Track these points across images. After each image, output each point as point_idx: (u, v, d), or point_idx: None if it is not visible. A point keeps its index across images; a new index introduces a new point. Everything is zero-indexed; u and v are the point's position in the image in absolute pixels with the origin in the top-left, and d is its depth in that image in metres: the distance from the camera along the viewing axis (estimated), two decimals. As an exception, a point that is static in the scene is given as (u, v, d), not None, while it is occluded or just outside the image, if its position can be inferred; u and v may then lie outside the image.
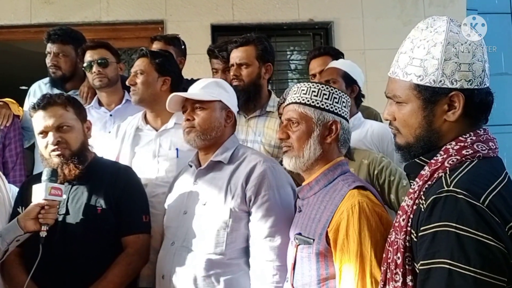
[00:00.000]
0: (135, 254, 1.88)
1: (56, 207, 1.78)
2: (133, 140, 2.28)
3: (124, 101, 2.68)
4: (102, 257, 1.84)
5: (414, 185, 1.16)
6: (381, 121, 2.55)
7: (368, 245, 1.34)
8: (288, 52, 4.59)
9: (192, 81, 2.17)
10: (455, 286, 0.96)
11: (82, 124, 1.98)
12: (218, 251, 1.72)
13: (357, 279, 1.34)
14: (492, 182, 1.04)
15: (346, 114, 1.60)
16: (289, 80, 4.53)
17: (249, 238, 1.75)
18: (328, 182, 1.54)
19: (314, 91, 1.56)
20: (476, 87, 1.13)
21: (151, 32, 4.13)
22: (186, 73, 2.87)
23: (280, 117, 1.88)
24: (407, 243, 1.11)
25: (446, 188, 1.04)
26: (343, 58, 2.71)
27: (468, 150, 1.11)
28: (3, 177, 2.01)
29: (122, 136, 2.32)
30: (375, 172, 1.93)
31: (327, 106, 1.55)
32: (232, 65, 2.36)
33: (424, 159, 1.18)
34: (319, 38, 4.37)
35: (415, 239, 1.08)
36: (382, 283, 1.19)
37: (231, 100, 1.93)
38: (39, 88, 2.96)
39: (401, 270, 1.11)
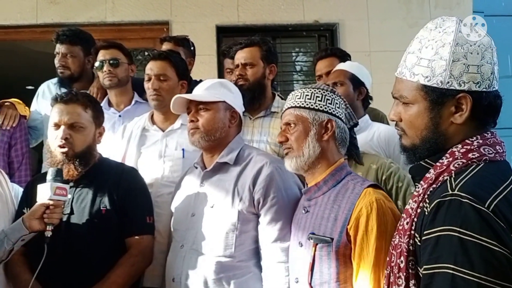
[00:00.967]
0: (139, 255, 1.88)
1: (61, 207, 1.78)
2: (139, 140, 2.29)
3: (133, 102, 2.69)
4: (106, 257, 1.84)
5: (419, 188, 1.15)
6: (387, 123, 2.54)
7: (385, 240, 1.40)
8: (293, 54, 4.59)
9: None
10: None
11: (96, 128, 1.99)
12: (227, 254, 1.72)
13: (372, 271, 1.39)
14: (498, 186, 1.03)
15: (340, 114, 1.66)
16: (294, 82, 4.53)
17: (258, 240, 1.75)
18: (337, 182, 1.59)
19: (308, 95, 1.65)
20: (484, 89, 1.11)
21: (156, 33, 4.16)
22: (191, 74, 2.88)
23: None
24: (411, 247, 1.10)
25: (450, 192, 1.02)
26: (350, 59, 2.70)
27: (474, 153, 1.09)
28: (6, 176, 2.02)
29: (128, 137, 2.32)
30: (383, 178, 1.93)
31: (321, 107, 1.63)
32: (237, 65, 2.39)
33: (430, 162, 1.17)
34: (324, 40, 4.37)
35: (418, 243, 1.07)
36: (386, 286, 1.18)
37: (235, 100, 1.92)
38: (48, 88, 2.98)
39: (404, 274, 1.10)
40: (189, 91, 2.15)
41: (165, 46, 2.88)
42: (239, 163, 1.83)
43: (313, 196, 1.62)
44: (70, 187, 1.86)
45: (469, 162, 1.09)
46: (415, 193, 1.15)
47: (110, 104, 2.72)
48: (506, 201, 1.00)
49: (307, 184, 1.67)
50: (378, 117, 2.66)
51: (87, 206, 1.88)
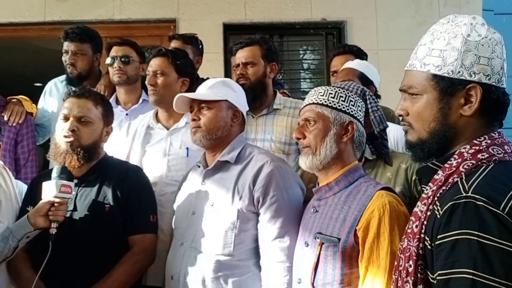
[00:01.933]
0: (141, 253, 1.88)
1: (66, 204, 1.79)
2: (144, 138, 2.30)
3: (141, 100, 2.70)
4: (109, 255, 1.84)
5: (427, 190, 1.12)
6: (398, 121, 2.52)
7: (398, 244, 1.35)
8: (301, 52, 4.57)
9: None
10: None
11: (104, 126, 1.99)
12: (226, 252, 1.72)
13: (387, 276, 1.35)
14: (511, 187, 1.00)
15: (361, 118, 1.64)
16: (301, 80, 4.51)
17: (258, 239, 1.74)
18: (349, 183, 1.56)
19: (331, 93, 1.62)
20: (494, 83, 1.10)
21: (164, 31, 4.16)
22: (198, 72, 2.88)
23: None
24: (420, 251, 1.07)
25: (464, 194, 0.99)
26: (366, 59, 2.68)
27: (483, 154, 1.07)
28: (11, 174, 2.03)
29: (133, 135, 2.33)
30: (414, 178, 1.87)
31: (343, 107, 1.61)
32: (238, 65, 2.39)
33: (437, 164, 1.15)
34: (331, 38, 4.34)
35: (429, 247, 1.05)
36: None
37: (238, 99, 1.92)
38: (55, 86, 2.99)
39: (412, 278, 1.07)
40: (196, 89, 2.15)
41: (174, 44, 2.89)
42: (240, 161, 1.82)
43: (324, 196, 1.60)
44: (74, 184, 1.86)
45: (479, 163, 1.06)
46: (424, 195, 1.12)
47: (117, 102, 2.73)
48: None
49: (318, 184, 1.65)
50: (388, 115, 2.63)
51: (91, 203, 1.88)
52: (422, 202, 1.12)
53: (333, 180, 1.58)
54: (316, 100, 1.62)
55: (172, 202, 2.03)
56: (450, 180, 1.07)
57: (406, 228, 1.16)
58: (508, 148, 1.11)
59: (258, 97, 2.33)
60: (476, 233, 0.94)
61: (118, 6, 4.15)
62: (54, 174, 1.79)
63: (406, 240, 1.13)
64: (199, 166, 1.93)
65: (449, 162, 1.11)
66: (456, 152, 1.11)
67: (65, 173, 1.80)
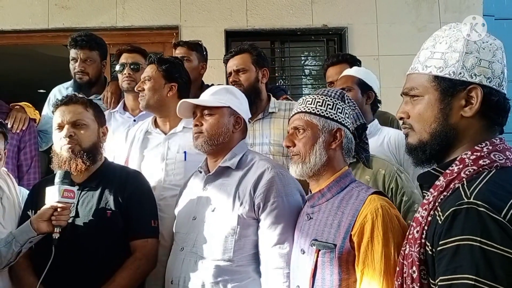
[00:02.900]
0: (143, 258, 1.88)
1: (69, 209, 1.80)
2: (142, 143, 2.32)
3: None
4: (111, 260, 1.85)
5: (428, 196, 1.12)
6: (398, 126, 2.53)
7: (392, 246, 1.39)
8: (302, 58, 4.59)
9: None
10: None
11: (99, 127, 2.01)
12: (226, 258, 1.72)
13: (382, 279, 1.36)
14: None
15: (349, 124, 1.66)
16: (303, 86, 4.53)
17: (258, 245, 1.74)
18: (341, 189, 1.58)
19: (319, 102, 1.64)
20: (494, 86, 1.11)
21: (166, 38, 4.19)
22: (202, 78, 2.90)
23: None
24: (422, 256, 1.07)
25: (466, 200, 0.99)
26: (360, 65, 2.70)
27: (485, 160, 1.08)
28: (14, 180, 2.04)
29: (131, 140, 2.36)
30: (391, 186, 1.91)
31: (331, 115, 1.63)
32: (230, 73, 2.45)
33: (439, 170, 1.15)
34: (332, 44, 4.36)
35: (430, 252, 1.05)
36: None
37: (241, 106, 1.94)
38: (60, 93, 2.99)
39: (418, 284, 1.07)
40: (192, 95, 2.19)
41: (178, 51, 2.92)
42: (241, 167, 1.84)
43: (317, 203, 1.61)
44: (76, 188, 1.87)
45: (480, 169, 1.06)
46: (425, 201, 1.13)
47: (125, 108, 2.76)
48: None
49: (310, 191, 1.66)
50: (387, 120, 2.65)
51: (92, 209, 1.89)
52: (423, 208, 1.12)
53: (325, 186, 1.60)
54: (304, 108, 1.65)
55: (171, 207, 2.04)
56: (451, 186, 1.07)
57: (407, 233, 1.17)
58: (510, 154, 1.11)
59: (253, 102, 2.34)
60: (479, 239, 0.94)
61: (121, 13, 4.18)
62: (57, 179, 1.79)
63: (407, 246, 1.13)
64: (200, 172, 1.94)
65: (450, 168, 1.11)
66: (458, 158, 1.11)
67: (68, 178, 1.81)
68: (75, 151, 1.89)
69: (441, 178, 1.11)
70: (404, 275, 1.12)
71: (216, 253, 1.73)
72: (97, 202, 1.90)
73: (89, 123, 1.95)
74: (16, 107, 2.75)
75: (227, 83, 2.71)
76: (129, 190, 1.95)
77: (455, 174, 1.08)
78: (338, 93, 1.72)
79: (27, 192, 2.10)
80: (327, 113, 1.62)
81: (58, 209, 1.76)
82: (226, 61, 2.50)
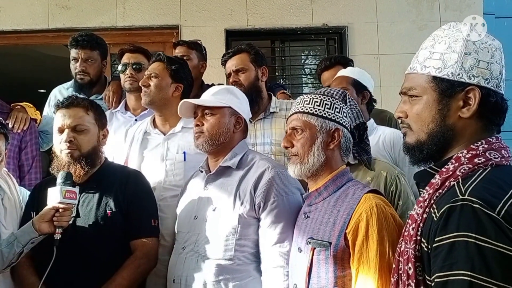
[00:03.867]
0: (144, 257, 1.89)
1: (71, 210, 1.81)
2: (141, 144, 2.32)
3: None
4: (111, 260, 1.86)
5: (424, 193, 1.13)
6: (395, 124, 2.54)
7: (387, 245, 1.39)
8: (303, 57, 4.59)
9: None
10: None
11: (99, 130, 2.01)
12: (227, 257, 1.73)
13: (377, 276, 1.36)
14: (507, 191, 1.01)
15: (347, 124, 1.66)
16: (303, 85, 4.53)
17: (259, 244, 1.76)
18: (337, 188, 1.59)
19: (317, 102, 1.64)
20: (492, 87, 1.12)
21: (166, 37, 4.20)
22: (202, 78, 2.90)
23: None
24: (417, 253, 1.08)
25: (461, 197, 1.00)
26: (353, 65, 2.72)
27: (480, 158, 1.09)
28: (15, 180, 2.05)
29: (130, 141, 2.36)
30: (391, 189, 1.91)
31: (329, 115, 1.63)
32: (229, 74, 2.44)
33: (435, 168, 1.16)
34: (333, 43, 4.37)
35: (425, 249, 1.06)
36: None
37: (242, 106, 1.95)
38: (60, 93, 3.00)
39: (414, 281, 1.08)
40: (201, 94, 2.18)
41: (178, 50, 2.93)
42: (242, 167, 1.85)
43: (314, 202, 1.62)
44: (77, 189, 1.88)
45: (476, 167, 1.07)
46: (420, 199, 1.14)
47: (127, 107, 2.76)
48: None
49: (308, 190, 1.67)
50: (385, 118, 2.66)
51: (93, 209, 1.90)
52: (418, 205, 1.13)
53: (322, 185, 1.60)
54: (302, 109, 1.65)
55: (171, 207, 2.05)
56: (446, 183, 1.08)
57: (403, 231, 1.18)
58: (506, 152, 1.12)
59: (255, 101, 2.35)
60: (474, 235, 0.95)
61: (121, 13, 4.19)
62: (59, 180, 1.80)
63: (403, 243, 1.14)
64: (201, 171, 1.95)
65: (446, 166, 1.12)
66: (454, 157, 1.12)
67: (70, 179, 1.82)
68: (74, 156, 1.90)
69: (437, 176, 1.12)
70: (400, 272, 1.13)
71: (217, 252, 1.75)
72: (98, 202, 1.91)
73: (90, 128, 1.96)
74: (17, 107, 2.76)
75: (227, 83, 2.71)
76: (130, 190, 1.95)
77: (451, 172, 1.09)
78: (339, 93, 1.72)
79: (28, 192, 2.11)
80: (325, 113, 1.62)
81: (60, 210, 1.77)
82: (224, 62, 2.50)
